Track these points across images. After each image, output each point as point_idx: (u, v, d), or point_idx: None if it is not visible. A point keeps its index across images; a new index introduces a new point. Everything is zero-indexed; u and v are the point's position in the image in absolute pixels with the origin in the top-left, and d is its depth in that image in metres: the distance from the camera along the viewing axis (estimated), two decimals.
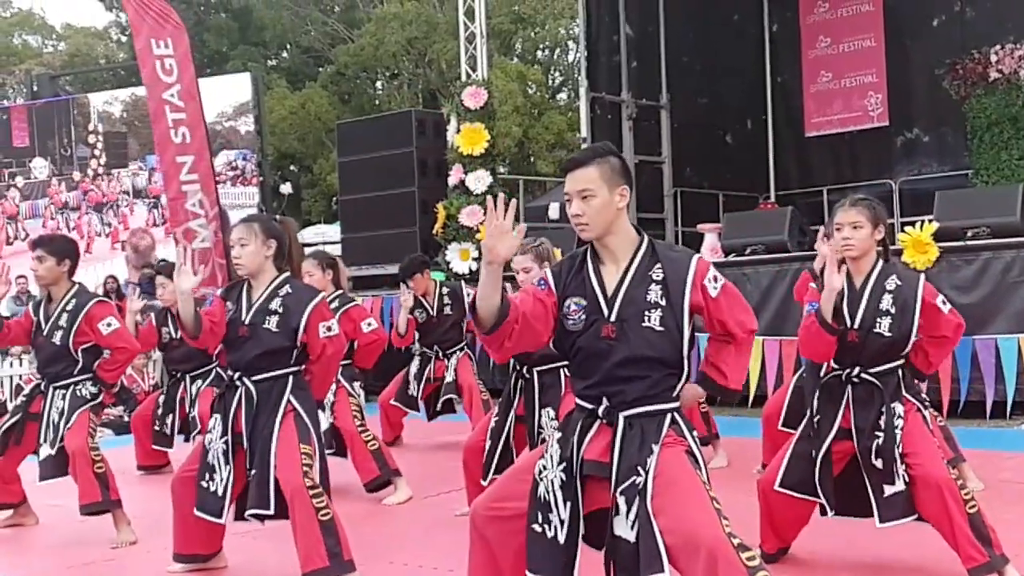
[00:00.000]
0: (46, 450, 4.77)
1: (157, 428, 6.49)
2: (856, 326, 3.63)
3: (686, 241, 11.35)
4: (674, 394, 2.76)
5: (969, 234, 7.40)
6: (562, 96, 27.95)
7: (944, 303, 3.68)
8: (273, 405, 3.83)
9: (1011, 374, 6.81)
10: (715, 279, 2.76)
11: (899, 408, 3.61)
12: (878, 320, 3.61)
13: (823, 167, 12.27)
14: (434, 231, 10.37)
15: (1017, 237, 7.18)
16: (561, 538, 2.69)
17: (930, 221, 7.41)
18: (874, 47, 11.97)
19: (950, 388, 6.95)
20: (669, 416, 2.72)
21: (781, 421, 5.04)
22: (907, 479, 3.56)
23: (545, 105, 25.63)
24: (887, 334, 3.61)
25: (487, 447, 4.51)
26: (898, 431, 3.58)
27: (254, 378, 3.86)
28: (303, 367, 3.95)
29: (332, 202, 21.52)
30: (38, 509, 5.23)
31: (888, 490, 3.58)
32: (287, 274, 3.98)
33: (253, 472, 3.81)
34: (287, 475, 3.74)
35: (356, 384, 5.70)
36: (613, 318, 2.72)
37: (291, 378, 3.89)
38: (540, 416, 4.48)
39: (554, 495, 2.71)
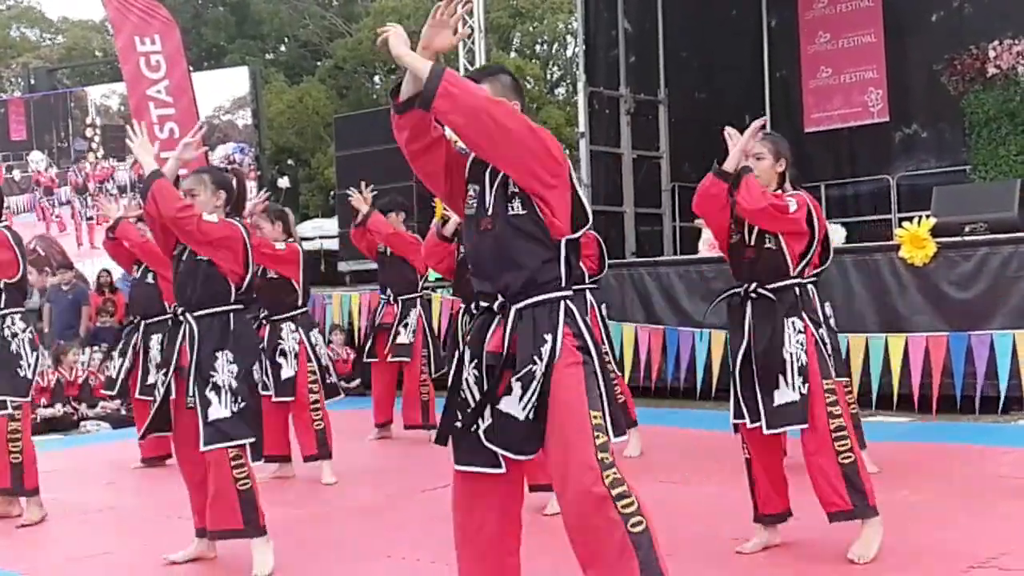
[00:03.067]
0: None
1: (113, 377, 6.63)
2: (752, 243, 3.87)
3: (684, 236, 11.35)
4: (563, 283, 2.76)
5: (967, 229, 7.39)
6: (560, 91, 27.90)
7: (795, 205, 3.79)
8: (217, 341, 3.92)
9: (1004, 370, 6.81)
10: None
11: (798, 323, 3.80)
12: (768, 236, 3.84)
13: (821, 162, 12.24)
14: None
15: (1015, 232, 7.17)
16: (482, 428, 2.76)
17: (928, 216, 7.42)
18: (874, 43, 11.93)
19: (940, 383, 6.96)
20: (562, 305, 2.74)
21: None
22: (804, 391, 3.73)
23: (543, 99, 25.56)
24: (775, 248, 3.84)
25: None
26: (798, 344, 3.76)
27: (195, 314, 3.97)
28: (243, 306, 4.04)
29: (330, 196, 21.47)
30: None
31: (778, 398, 3.75)
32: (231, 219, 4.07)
33: (194, 406, 3.91)
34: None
35: (315, 332, 6.04)
36: (490, 211, 2.80)
37: (232, 315, 3.97)
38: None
39: (470, 390, 2.80)
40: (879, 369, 7.18)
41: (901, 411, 7.17)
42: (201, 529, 4.16)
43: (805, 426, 3.75)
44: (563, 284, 2.77)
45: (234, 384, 3.89)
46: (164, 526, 4.81)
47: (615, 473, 2.64)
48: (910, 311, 7.34)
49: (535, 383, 2.69)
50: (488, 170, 2.83)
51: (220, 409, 3.87)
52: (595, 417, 2.68)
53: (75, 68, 24.40)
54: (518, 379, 2.71)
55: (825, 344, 3.87)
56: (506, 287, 2.77)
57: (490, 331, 2.80)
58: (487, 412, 2.75)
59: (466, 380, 2.82)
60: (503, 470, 2.76)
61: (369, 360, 7.33)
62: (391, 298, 7.10)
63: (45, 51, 28.30)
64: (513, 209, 2.75)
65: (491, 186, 2.82)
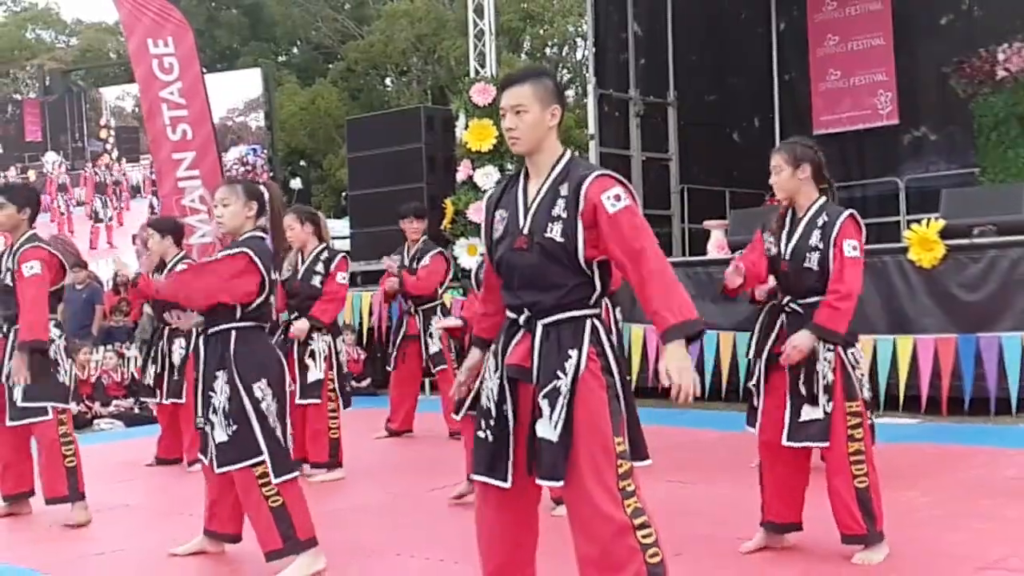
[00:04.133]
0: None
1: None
2: (787, 257, 3.84)
3: (693, 237, 11.37)
4: (591, 302, 2.81)
5: (975, 232, 7.39)
6: (570, 93, 27.87)
7: (855, 248, 3.77)
8: (217, 362, 3.88)
9: (1014, 372, 6.82)
10: (616, 198, 2.73)
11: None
12: (808, 255, 3.81)
13: (830, 165, 11.87)
14: (442, 226, 10.41)
15: (1023, 235, 7.19)
16: (500, 439, 2.82)
17: (936, 219, 7.43)
18: (883, 45, 11.91)
19: (949, 385, 6.97)
20: (588, 323, 2.78)
21: None
22: (828, 410, 3.73)
23: None
24: (815, 268, 3.80)
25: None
26: (825, 363, 3.75)
27: (208, 331, 3.95)
28: (255, 323, 3.95)
29: (341, 197, 21.54)
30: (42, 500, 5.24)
31: (805, 414, 3.76)
32: (257, 232, 4.03)
33: (202, 426, 3.92)
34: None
35: (340, 340, 6.07)
36: (526, 230, 2.83)
37: (233, 333, 3.88)
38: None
39: (493, 402, 2.85)
40: (887, 371, 7.19)
41: (909, 412, 7.18)
42: (209, 531, 4.22)
43: (825, 444, 3.76)
44: (592, 302, 2.81)
45: (227, 406, 3.81)
46: (177, 523, 4.85)
47: (636, 503, 2.69)
48: (918, 313, 7.34)
49: (561, 399, 2.72)
50: (521, 193, 2.87)
51: (220, 432, 3.84)
52: (619, 444, 2.72)
53: (89, 70, 24.54)
54: (544, 397, 2.74)
55: (855, 365, 3.83)
56: (535, 303, 2.81)
57: (513, 343, 2.84)
58: (519, 435, 2.79)
59: (490, 390, 2.86)
60: (508, 485, 2.79)
61: (390, 368, 7.36)
62: (412, 308, 7.13)
63: (60, 53, 28.45)
64: (551, 232, 2.78)
65: (526, 208, 2.85)
